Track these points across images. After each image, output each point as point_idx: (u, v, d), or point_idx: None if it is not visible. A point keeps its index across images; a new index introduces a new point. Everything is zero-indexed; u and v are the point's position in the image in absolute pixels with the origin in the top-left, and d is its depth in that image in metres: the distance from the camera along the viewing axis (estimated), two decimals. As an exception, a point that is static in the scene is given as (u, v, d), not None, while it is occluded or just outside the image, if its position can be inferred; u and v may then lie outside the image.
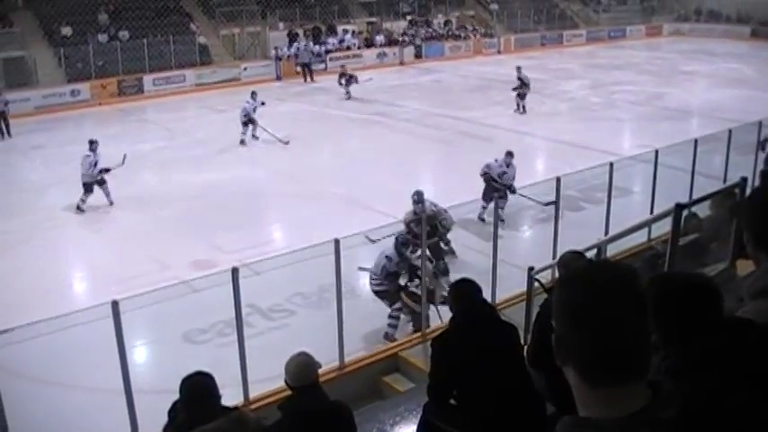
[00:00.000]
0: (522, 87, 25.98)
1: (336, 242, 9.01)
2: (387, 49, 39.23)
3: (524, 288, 9.51)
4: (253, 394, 8.61)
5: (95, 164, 17.17)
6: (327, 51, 37.52)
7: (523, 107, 26.08)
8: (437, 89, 29.84)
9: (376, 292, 11.07)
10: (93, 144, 17.48)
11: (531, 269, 9.32)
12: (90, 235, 15.88)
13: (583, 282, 1.67)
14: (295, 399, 4.72)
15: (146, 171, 20.26)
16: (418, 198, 12.77)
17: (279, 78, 35.05)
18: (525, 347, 5.89)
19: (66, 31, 33.04)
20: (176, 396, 4.67)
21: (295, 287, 12.05)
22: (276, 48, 35.91)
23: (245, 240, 14.28)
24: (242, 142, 22.24)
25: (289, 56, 35.95)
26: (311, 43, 37.17)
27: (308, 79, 34.79)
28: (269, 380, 8.69)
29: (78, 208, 17.02)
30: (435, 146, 22.30)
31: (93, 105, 30.82)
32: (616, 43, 47.66)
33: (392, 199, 15.98)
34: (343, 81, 29.04)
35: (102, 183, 17.29)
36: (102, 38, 33.57)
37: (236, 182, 18.44)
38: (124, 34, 33.95)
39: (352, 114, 26.48)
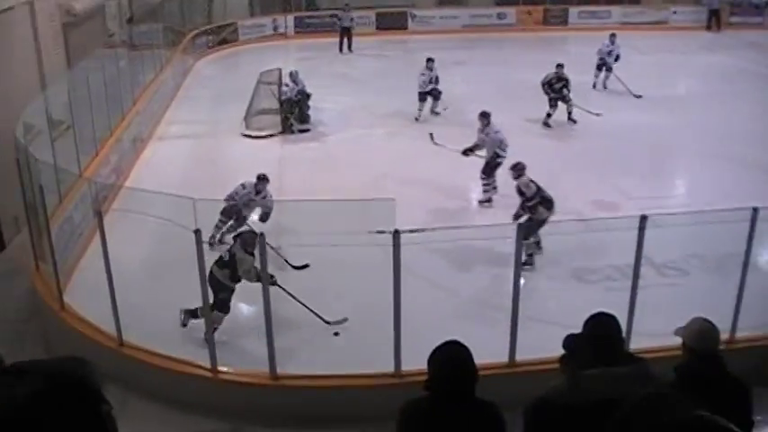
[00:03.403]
0: None
1: (754, 211, 8.44)
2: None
3: None
4: (632, 346, 8.42)
5: (432, 79, 18.85)
6: (768, 5, 34.61)
7: None
8: None
9: None
10: (429, 62, 18.97)
11: None
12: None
13: None
14: (694, 363, 4.48)
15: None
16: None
17: (709, 28, 33.08)
18: None
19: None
20: (557, 328, 4.64)
21: (694, 248, 11.52)
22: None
23: (648, 188, 13.90)
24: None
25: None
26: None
27: (713, 27, 32.47)
28: (649, 335, 8.47)
29: (417, 119, 18.78)
30: None
31: (517, 30, 31.43)
32: None
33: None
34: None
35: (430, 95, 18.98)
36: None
37: (651, 128, 17.80)
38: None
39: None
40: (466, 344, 3.83)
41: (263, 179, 11.76)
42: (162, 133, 18.19)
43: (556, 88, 18.17)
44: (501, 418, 3.87)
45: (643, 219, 8.11)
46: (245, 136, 17.63)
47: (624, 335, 8.23)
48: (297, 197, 12.51)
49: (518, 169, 11.61)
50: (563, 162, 15.67)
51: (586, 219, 11.14)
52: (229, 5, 30.03)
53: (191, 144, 17.41)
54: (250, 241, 9.25)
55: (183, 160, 16.25)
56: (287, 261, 11.04)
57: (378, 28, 30.76)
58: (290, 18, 30.33)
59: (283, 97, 17.83)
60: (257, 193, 11.70)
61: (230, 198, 11.55)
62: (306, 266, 10.94)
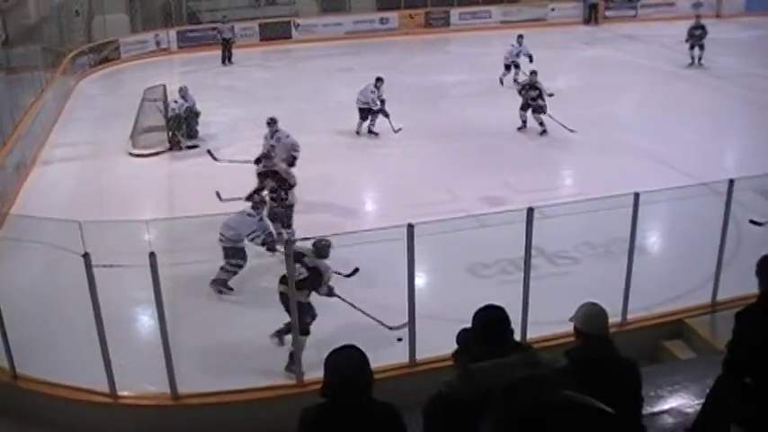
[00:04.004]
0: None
1: (636, 196, 8.73)
2: (703, -2, 36.79)
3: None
4: (530, 336, 8.61)
5: (381, 98, 17.96)
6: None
7: (699, 58, 25.21)
8: (758, 47, 27.55)
9: None
10: (379, 81, 18.10)
11: None
12: (389, 158, 16.45)
13: None
14: (584, 347, 4.61)
15: (446, 102, 20.61)
16: None
17: (587, 22, 34.20)
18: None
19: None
20: (456, 325, 4.72)
21: (583, 236, 11.83)
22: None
23: (536, 182, 14.20)
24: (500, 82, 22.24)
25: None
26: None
27: (592, 21, 34.24)
28: (546, 324, 8.67)
29: (358, 133, 18.10)
30: (749, 108, 20.74)
31: (400, 34, 31.82)
32: None
33: (698, 159, 15.25)
34: None
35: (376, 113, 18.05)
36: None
37: (535, 123, 18.22)
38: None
39: (659, 66, 25.33)
40: (367, 347, 3.87)
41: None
42: (47, 157, 17.68)
43: (531, 95, 18.05)
44: (400, 419, 3.92)
45: (530, 211, 8.30)
46: (133, 155, 17.30)
47: (520, 326, 8.48)
48: (188, 213, 12.35)
49: (270, 158, 12.30)
50: (450, 161, 15.96)
51: (477, 215, 11.31)
52: (109, 23, 29.37)
53: (77, 166, 16.97)
54: (326, 251, 9.18)
55: (70, 183, 15.83)
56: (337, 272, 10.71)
57: (262, 38, 30.61)
58: (173, 33, 29.90)
59: (171, 113, 17.53)
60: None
61: (237, 238, 10.71)
62: (356, 271, 10.28)
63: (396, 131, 17.80)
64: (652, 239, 12.42)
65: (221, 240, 10.64)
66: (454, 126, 18.43)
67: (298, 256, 8.77)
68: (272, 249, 10.39)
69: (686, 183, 11.93)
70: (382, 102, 18.04)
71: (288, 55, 28.54)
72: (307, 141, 17.14)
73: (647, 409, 6.14)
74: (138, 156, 17.26)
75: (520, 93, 18.31)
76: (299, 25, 31.15)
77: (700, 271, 10.14)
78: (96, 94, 24.48)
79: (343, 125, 18.62)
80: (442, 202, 13.17)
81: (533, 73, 18.48)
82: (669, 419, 6.35)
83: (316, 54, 27.85)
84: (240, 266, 10.67)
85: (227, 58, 27.33)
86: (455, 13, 33.20)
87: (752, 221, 11.62)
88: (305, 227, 9.29)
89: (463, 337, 4.61)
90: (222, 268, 10.68)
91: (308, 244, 9.22)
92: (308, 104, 20.51)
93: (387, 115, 17.95)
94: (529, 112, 18.09)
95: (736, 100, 21.51)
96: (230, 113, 19.77)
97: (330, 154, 16.44)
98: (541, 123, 17.99)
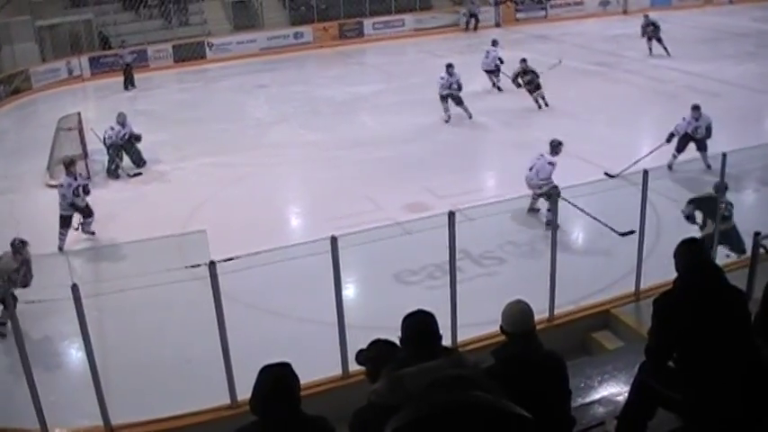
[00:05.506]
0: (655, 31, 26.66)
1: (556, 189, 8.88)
2: (611, -4, 37.71)
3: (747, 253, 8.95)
4: (460, 338, 8.68)
5: (454, 84, 19.24)
6: (548, -2, 36.66)
7: (665, 49, 26.41)
8: (664, 39, 28.27)
9: None
10: (450, 68, 19.35)
11: (757, 234, 8.77)
12: (310, 171, 16.42)
13: None
14: (510, 345, 4.66)
15: (364, 113, 20.65)
16: None
17: (498, 25, 34.66)
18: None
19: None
20: (387, 333, 4.74)
21: (508, 235, 11.97)
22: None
23: (458, 185, 14.32)
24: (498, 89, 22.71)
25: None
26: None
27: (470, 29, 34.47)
28: (476, 325, 8.75)
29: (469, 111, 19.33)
30: (658, 99, 21.27)
31: (315, 47, 31.81)
32: None
33: (610, 152, 15.55)
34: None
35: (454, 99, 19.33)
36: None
37: (452, 127, 18.42)
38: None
39: (571, 63, 25.70)
40: (301, 363, 3.87)
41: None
42: (-40, 194, 17.21)
43: (526, 79, 20.54)
44: (331, 431, 3.94)
45: (451, 215, 8.36)
46: (51, 186, 16.91)
47: (450, 329, 8.54)
48: (111, 241, 12.19)
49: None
50: (371, 171, 16.02)
51: (401, 222, 11.37)
52: (18, 52, 28.64)
53: (-7, 202, 16.55)
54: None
55: (-13, 220, 15.42)
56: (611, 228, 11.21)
57: (176, 60, 30.12)
58: (85, 59, 29.30)
59: (108, 141, 17.10)
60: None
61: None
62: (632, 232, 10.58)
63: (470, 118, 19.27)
64: (575, 234, 12.64)
65: (531, 187, 12.62)
66: (372, 136, 18.48)
67: None
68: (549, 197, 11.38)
69: (603, 176, 12.21)
70: (459, 86, 19.37)
71: (203, 75, 28.29)
72: (226, 161, 17.18)
73: (577, 401, 6.25)
74: (55, 187, 16.86)
75: (514, 81, 20.95)
76: (212, 45, 30.87)
77: (623, 262, 10.36)
78: (9, 126, 23.84)
79: (261, 142, 18.56)
80: (366, 212, 13.17)
81: (523, 60, 20.84)
82: (600, 409, 6.44)
83: (231, 72, 27.68)
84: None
85: (129, 83, 26.90)
86: (368, 23, 33.35)
87: (606, 174, 12.25)
88: (225, 247, 9.21)
89: (364, 356, 4.60)
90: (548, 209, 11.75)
91: None
92: (226, 124, 20.37)
93: (456, 101, 19.33)
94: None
95: (646, 91, 22.11)
96: (149, 138, 19.42)
97: (250, 171, 16.37)
98: (543, 97, 20.44)
